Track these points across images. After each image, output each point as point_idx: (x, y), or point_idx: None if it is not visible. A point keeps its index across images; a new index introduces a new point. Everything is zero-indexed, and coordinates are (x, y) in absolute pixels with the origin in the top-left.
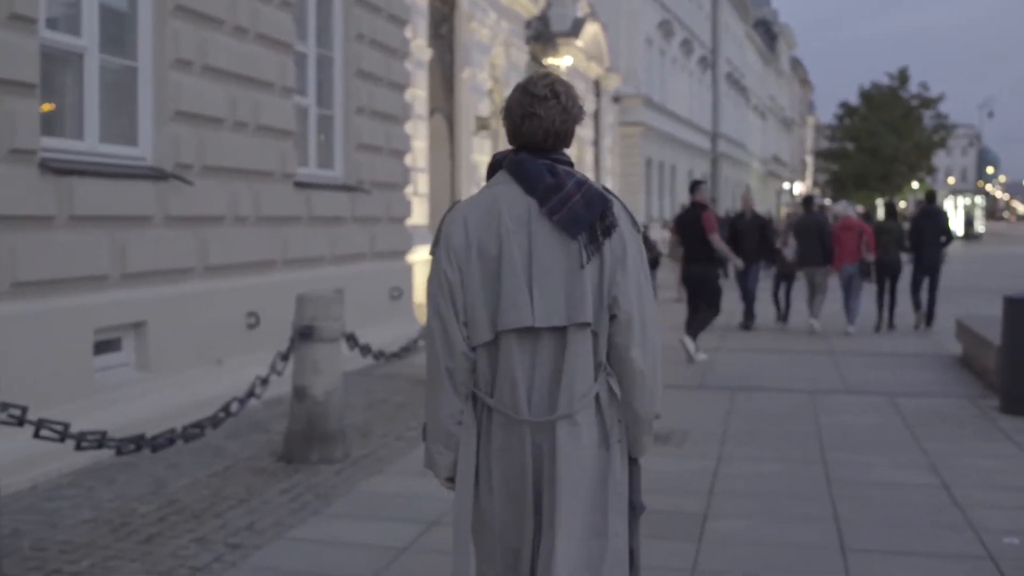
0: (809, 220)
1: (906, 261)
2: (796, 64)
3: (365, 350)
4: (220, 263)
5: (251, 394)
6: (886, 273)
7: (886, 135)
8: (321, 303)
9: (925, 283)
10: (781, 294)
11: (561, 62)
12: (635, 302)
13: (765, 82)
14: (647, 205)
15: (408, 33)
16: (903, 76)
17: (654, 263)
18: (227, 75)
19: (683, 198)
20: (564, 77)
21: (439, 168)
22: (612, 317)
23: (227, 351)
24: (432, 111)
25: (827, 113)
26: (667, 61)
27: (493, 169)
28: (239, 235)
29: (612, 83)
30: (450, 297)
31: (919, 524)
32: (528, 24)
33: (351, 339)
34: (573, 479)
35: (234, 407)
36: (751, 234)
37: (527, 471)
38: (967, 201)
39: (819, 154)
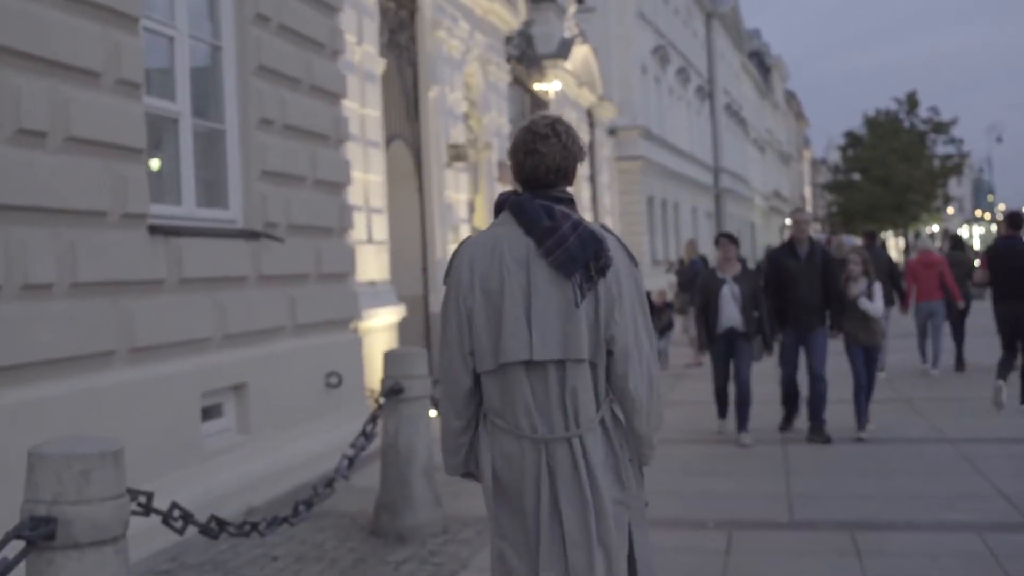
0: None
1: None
2: (790, 97)
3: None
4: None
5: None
6: (955, 310)
7: (897, 163)
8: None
9: None
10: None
11: (549, 87)
12: (632, 337)
13: (762, 115)
14: (651, 247)
15: (351, 34)
16: (912, 101)
17: (665, 329)
18: None
19: (686, 237)
20: (553, 103)
21: (403, 208)
22: (610, 352)
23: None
24: (390, 137)
25: (819, 148)
26: (663, 90)
27: (498, 209)
28: None
29: (607, 113)
30: (457, 330)
31: None
32: (509, 40)
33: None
34: (572, 492)
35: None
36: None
37: (532, 483)
38: (981, 230)
39: (825, 187)
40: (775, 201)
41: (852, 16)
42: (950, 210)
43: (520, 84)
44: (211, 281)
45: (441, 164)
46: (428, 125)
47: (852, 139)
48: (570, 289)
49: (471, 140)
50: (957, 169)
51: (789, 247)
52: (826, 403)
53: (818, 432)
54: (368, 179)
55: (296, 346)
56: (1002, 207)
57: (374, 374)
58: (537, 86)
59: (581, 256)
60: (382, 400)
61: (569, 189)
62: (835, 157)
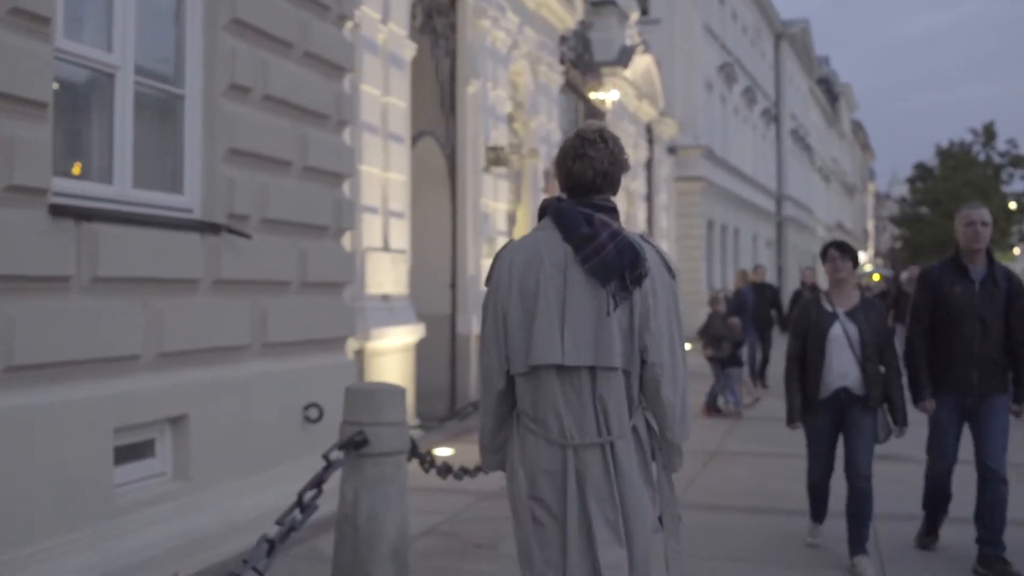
0: None
1: None
2: (857, 128)
3: None
4: None
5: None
6: None
7: (970, 197)
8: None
9: None
10: None
11: (607, 96)
12: (666, 348)
13: (828, 143)
14: (708, 275)
15: (373, 10)
16: (989, 132)
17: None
18: None
19: (749, 266)
20: (610, 114)
21: (430, 214)
22: (643, 361)
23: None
24: (419, 133)
25: (883, 183)
26: (728, 110)
27: (542, 214)
28: None
29: (667, 130)
30: (494, 330)
31: None
32: (564, 41)
33: None
34: (602, 498)
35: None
36: None
37: (560, 489)
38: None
39: (892, 219)
40: (838, 233)
41: (924, 55)
42: (1016, 251)
43: (574, 90)
44: (143, 282)
45: (478, 168)
46: (465, 123)
47: (922, 171)
48: (604, 297)
49: (514, 145)
50: None
51: (955, 263)
52: (1006, 515)
53: (995, 562)
54: (388, 177)
55: (264, 370)
56: None
57: None
58: (593, 95)
59: (617, 265)
60: (336, 455)
61: (613, 199)
62: (900, 191)
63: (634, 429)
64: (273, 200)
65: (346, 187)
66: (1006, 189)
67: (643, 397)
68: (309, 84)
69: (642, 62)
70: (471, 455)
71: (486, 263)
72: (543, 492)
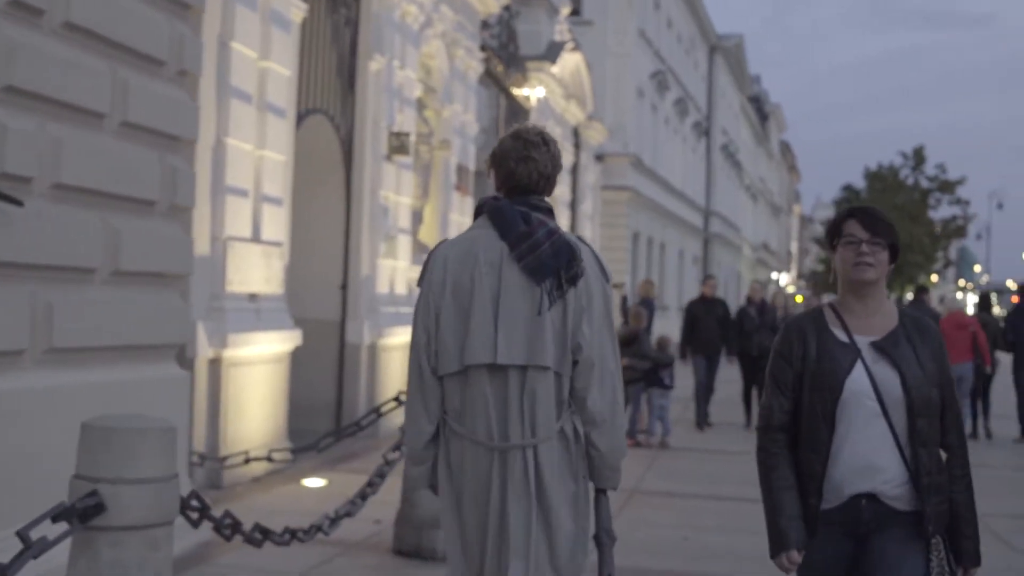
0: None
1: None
2: (785, 149)
3: None
4: None
5: None
6: (981, 374)
7: (899, 221)
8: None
9: None
10: None
11: (532, 93)
12: (596, 349)
13: (757, 162)
14: (632, 290)
15: None
16: (919, 156)
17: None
18: None
19: (674, 282)
20: (534, 112)
21: (318, 204)
22: (575, 362)
23: None
24: (308, 110)
25: (808, 207)
26: (659, 119)
27: (477, 212)
28: None
29: (595, 135)
30: (424, 329)
31: None
32: (486, 25)
33: None
34: (522, 503)
35: None
36: None
37: (484, 492)
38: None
39: (817, 241)
40: (763, 253)
41: (852, 83)
42: (934, 277)
43: (496, 83)
44: None
45: (379, 155)
46: (366, 104)
47: (850, 193)
48: (539, 295)
49: (424, 134)
50: (961, 231)
51: None
52: None
53: None
54: (263, 156)
55: (45, 384)
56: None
57: (235, 432)
58: (516, 90)
59: (553, 264)
60: (54, 529)
61: (548, 199)
62: (823, 214)
63: (561, 432)
64: (70, 160)
65: (189, 156)
66: (933, 214)
67: (572, 401)
68: (137, 17)
69: (571, 60)
70: (350, 485)
71: (384, 263)
72: (468, 497)
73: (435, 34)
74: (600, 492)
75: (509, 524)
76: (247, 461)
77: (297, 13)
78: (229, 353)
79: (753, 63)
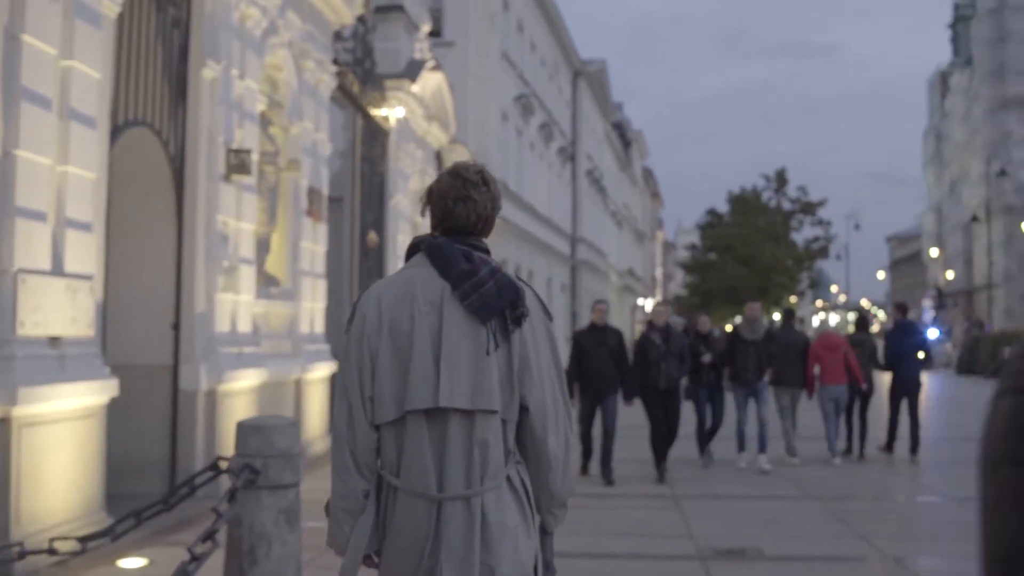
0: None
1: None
2: (648, 175)
3: None
4: None
5: None
6: (857, 394)
7: (762, 243)
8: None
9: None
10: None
11: (391, 113)
12: (548, 393)
13: (621, 188)
14: None
15: None
16: (781, 178)
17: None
18: None
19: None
20: (394, 134)
21: (144, 230)
22: (524, 408)
23: None
24: (127, 122)
25: (670, 232)
26: (524, 144)
27: (411, 252)
28: None
29: (459, 159)
30: (358, 375)
31: None
32: (339, 37)
33: None
34: (455, 559)
35: None
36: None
37: (418, 545)
38: (837, 318)
39: (683, 266)
40: (629, 279)
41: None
42: (792, 298)
43: (352, 102)
44: None
45: (215, 175)
46: (199, 117)
47: (713, 216)
48: (484, 336)
49: (269, 153)
50: (823, 252)
51: None
52: None
53: None
54: (66, 172)
55: None
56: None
57: (32, 508)
58: (375, 110)
59: (497, 303)
60: None
61: (485, 241)
62: (685, 240)
63: (508, 480)
64: None
65: None
66: (796, 236)
67: (519, 447)
68: None
69: (432, 80)
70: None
71: (223, 298)
72: (398, 555)
73: (281, 43)
74: (546, 533)
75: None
76: (50, 543)
77: (110, 7)
78: (22, 411)
79: (615, 90)
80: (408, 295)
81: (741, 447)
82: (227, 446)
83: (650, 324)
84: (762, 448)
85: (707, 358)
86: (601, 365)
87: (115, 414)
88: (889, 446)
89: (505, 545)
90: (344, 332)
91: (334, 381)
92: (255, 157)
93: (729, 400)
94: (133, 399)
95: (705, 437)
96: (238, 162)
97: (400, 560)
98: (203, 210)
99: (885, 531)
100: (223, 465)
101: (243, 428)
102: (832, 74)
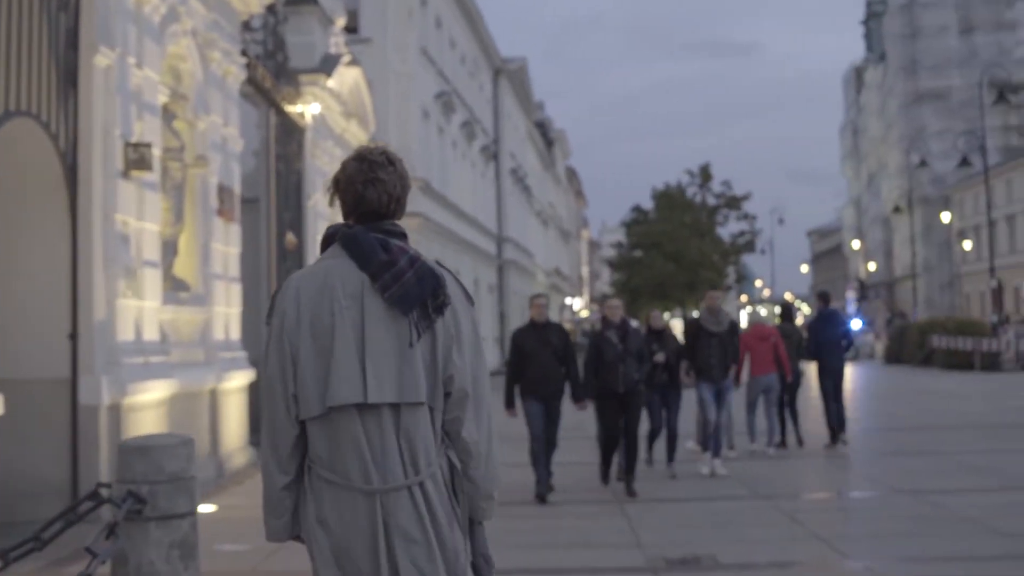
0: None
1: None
2: (571, 174)
3: None
4: None
5: None
6: (785, 385)
7: (689, 239)
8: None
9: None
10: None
11: (307, 109)
12: (469, 379)
13: (545, 187)
14: None
15: None
16: (706, 174)
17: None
18: None
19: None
20: (310, 131)
21: (33, 233)
22: (447, 394)
23: None
24: (9, 113)
25: (595, 231)
26: (447, 142)
27: (327, 242)
28: None
29: None
30: (280, 372)
31: None
32: (248, 27)
33: None
34: (415, 548)
35: None
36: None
37: (368, 541)
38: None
39: (609, 263)
40: (556, 278)
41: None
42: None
43: (265, 98)
44: None
45: (113, 172)
46: (91, 109)
47: (638, 213)
48: (406, 327)
49: (174, 149)
50: (750, 246)
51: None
52: None
53: None
54: None
55: None
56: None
57: None
58: (289, 106)
59: (418, 293)
60: None
61: (400, 223)
62: (610, 238)
63: (440, 469)
64: None
65: None
66: (721, 231)
67: (446, 434)
68: None
69: (350, 76)
70: None
71: (126, 304)
72: (350, 550)
73: (183, 31)
74: (477, 523)
75: (400, 571)
76: None
77: None
78: None
79: (537, 90)
80: (327, 288)
81: (708, 448)
82: None
83: (604, 321)
84: (717, 452)
85: (660, 357)
86: (544, 367)
87: (6, 433)
88: (833, 439)
89: (443, 531)
90: (265, 324)
91: (253, 390)
92: (157, 152)
93: (687, 401)
94: (27, 416)
95: (649, 440)
96: (137, 157)
97: (355, 555)
98: (100, 209)
99: (842, 531)
100: (105, 493)
101: (126, 450)
102: (750, 72)
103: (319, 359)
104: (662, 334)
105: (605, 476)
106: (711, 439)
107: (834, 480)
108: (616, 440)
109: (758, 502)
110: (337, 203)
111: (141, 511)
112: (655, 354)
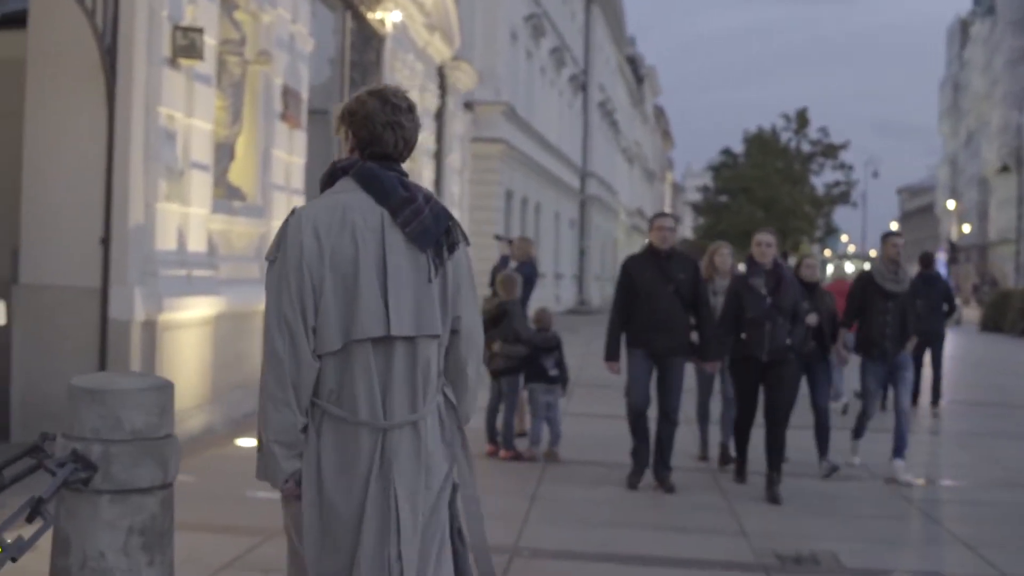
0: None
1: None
2: (659, 114)
3: None
4: None
5: None
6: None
7: (781, 185)
8: None
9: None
10: None
11: (388, 17)
12: (475, 318)
13: (633, 124)
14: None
15: None
16: (802, 119)
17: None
18: None
19: (550, 247)
20: (390, 40)
21: (65, 125)
22: (454, 331)
23: None
24: None
25: (679, 174)
26: (535, 68)
27: (330, 177)
28: None
29: (464, 79)
30: (300, 305)
31: None
32: None
33: None
34: (417, 483)
35: None
36: None
37: (372, 477)
38: (852, 267)
39: (695, 207)
40: (638, 219)
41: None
42: (804, 247)
43: (343, 0)
44: None
45: (158, 59)
46: None
47: (728, 156)
48: (424, 263)
49: (233, 41)
50: (844, 197)
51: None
52: None
53: None
54: None
55: None
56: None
57: None
58: (369, 12)
59: (435, 230)
60: None
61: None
62: (693, 183)
63: (437, 404)
64: None
65: None
66: (816, 180)
67: (448, 370)
68: None
69: None
70: None
71: (167, 209)
72: (339, 485)
73: None
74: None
75: (399, 509)
76: None
77: None
78: None
79: (629, 24)
80: (347, 223)
81: (859, 433)
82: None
83: (751, 263)
84: (900, 450)
85: (812, 319)
86: (662, 311)
87: (27, 345)
88: (934, 400)
89: (436, 467)
90: (267, 259)
91: None
92: (211, 41)
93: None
94: (50, 328)
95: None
96: (187, 43)
97: (339, 488)
98: (141, 100)
99: (988, 536)
100: (49, 450)
101: (75, 391)
102: (849, 19)
103: (340, 292)
104: (815, 289)
105: (741, 472)
106: (894, 436)
107: (961, 465)
108: (751, 421)
109: (877, 485)
110: (347, 136)
111: (88, 480)
112: (806, 314)
